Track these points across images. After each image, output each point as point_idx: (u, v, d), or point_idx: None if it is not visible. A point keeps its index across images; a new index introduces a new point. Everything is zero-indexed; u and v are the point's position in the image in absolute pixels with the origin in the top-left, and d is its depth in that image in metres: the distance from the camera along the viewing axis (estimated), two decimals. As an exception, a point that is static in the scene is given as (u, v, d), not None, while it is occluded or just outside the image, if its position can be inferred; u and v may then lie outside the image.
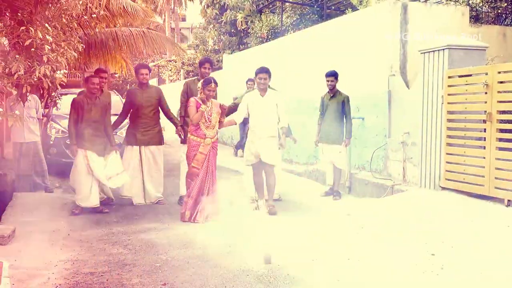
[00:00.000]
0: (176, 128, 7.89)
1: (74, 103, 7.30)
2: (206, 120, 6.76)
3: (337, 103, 8.07)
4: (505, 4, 10.10)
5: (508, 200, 6.30)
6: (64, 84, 6.48)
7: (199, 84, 6.86)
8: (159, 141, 7.96)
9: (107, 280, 4.49)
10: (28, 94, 6.58)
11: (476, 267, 4.57)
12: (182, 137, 7.75)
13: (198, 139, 6.78)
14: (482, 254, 4.92)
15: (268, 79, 7.20)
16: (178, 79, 29.13)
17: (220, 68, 19.23)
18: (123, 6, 11.58)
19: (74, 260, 5.03)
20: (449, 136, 7.29)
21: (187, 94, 7.74)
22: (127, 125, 8.15)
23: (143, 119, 7.80)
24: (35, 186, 8.87)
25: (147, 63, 14.65)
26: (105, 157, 7.35)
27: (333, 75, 8.08)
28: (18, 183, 8.65)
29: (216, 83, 6.77)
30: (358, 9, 11.18)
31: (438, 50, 7.43)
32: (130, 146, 7.83)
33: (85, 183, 7.20)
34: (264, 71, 7.17)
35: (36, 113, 8.92)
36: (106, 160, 7.35)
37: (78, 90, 8.80)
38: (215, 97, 7.05)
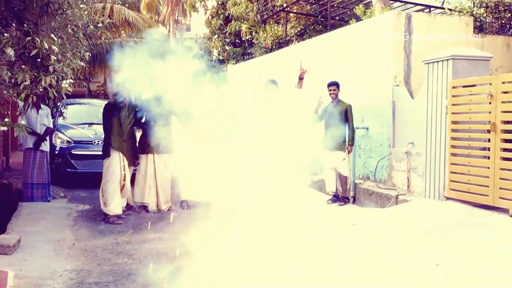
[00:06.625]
0: None
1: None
2: None
3: (340, 111, 8.23)
4: (509, 15, 10.09)
5: (513, 210, 6.28)
6: (69, 94, 6.54)
7: None
8: (170, 149, 8.12)
9: (111, 290, 4.50)
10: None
11: (480, 278, 4.55)
12: None
13: None
14: (487, 264, 4.90)
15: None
16: (183, 88, 29.22)
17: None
18: (125, 17, 11.68)
19: (79, 270, 5.05)
20: (453, 146, 7.28)
21: None
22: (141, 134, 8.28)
23: (156, 128, 7.92)
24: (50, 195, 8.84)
25: None
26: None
27: (334, 85, 8.39)
28: (32, 192, 8.49)
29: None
30: (362, 20, 11.20)
31: (442, 60, 7.44)
32: (145, 155, 7.97)
33: (117, 192, 7.50)
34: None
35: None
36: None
37: (84, 100, 8.85)
38: None
